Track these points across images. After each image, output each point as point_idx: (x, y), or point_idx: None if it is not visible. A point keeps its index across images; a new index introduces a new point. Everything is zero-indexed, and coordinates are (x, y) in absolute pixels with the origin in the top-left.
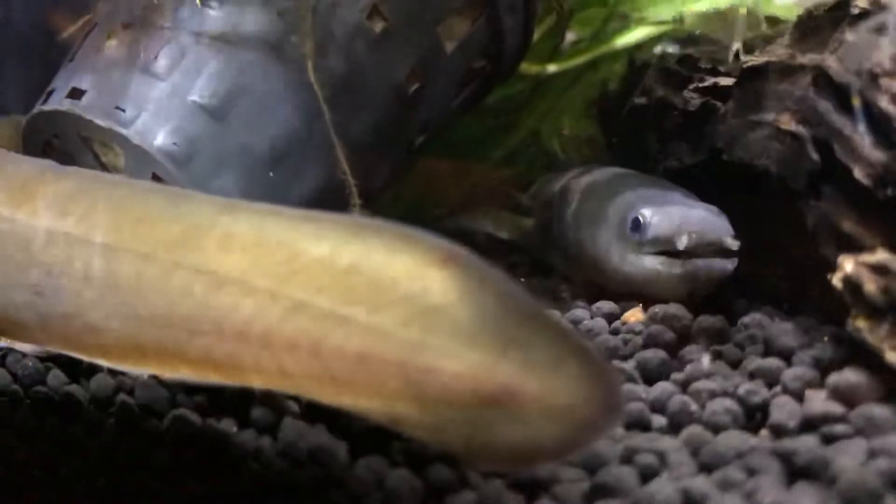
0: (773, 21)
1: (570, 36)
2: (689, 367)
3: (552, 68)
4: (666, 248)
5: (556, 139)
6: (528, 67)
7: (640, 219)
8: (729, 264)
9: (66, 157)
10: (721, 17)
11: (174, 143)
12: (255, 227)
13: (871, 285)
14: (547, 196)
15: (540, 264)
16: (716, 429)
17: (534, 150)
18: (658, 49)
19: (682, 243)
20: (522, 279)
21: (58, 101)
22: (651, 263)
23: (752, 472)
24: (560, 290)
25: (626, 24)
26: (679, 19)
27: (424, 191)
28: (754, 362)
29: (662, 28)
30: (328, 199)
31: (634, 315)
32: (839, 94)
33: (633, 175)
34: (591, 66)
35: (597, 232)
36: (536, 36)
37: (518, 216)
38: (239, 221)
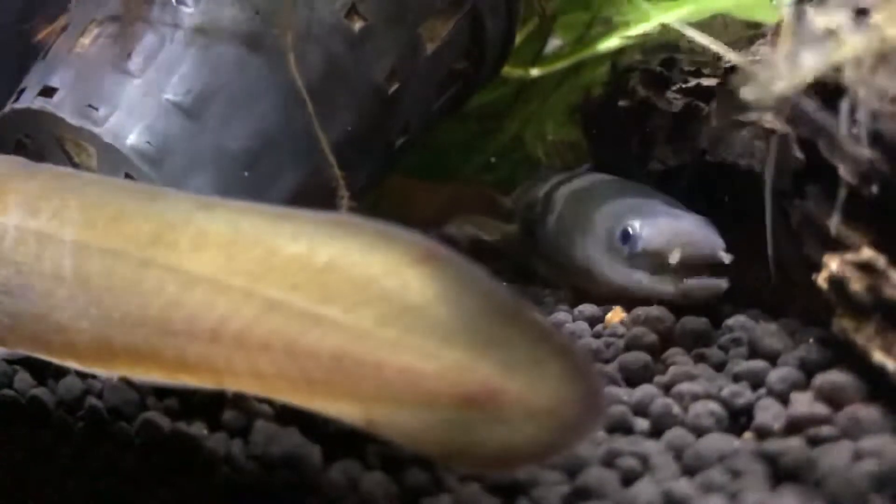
0: (755, 26)
1: (553, 41)
2: (672, 370)
3: (535, 72)
4: (657, 262)
5: (540, 144)
6: (511, 71)
7: (630, 231)
8: (723, 283)
9: (38, 157)
10: (705, 27)
11: (147, 142)
12: (229, 224)
13: (856, 285)
14: (530, 201)
15: (522, 269)
16: (699, 431)
17: (517, 154)
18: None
19: (674, 258)
20: (504, 283)
21: (29, 100)
22: (642, 280)
23: (736, 475)
24: (543, 294)
25: (609, 28)
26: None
27: (401, 209)
28: (739, 364)
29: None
30: (306, 198)
31: (616, 315)
32: (824, 92)
33: (617, 181)
34: (574, 70)
35: (584, 241)
36: (519, 40)
37: (500, 222)
38: (213, 219)
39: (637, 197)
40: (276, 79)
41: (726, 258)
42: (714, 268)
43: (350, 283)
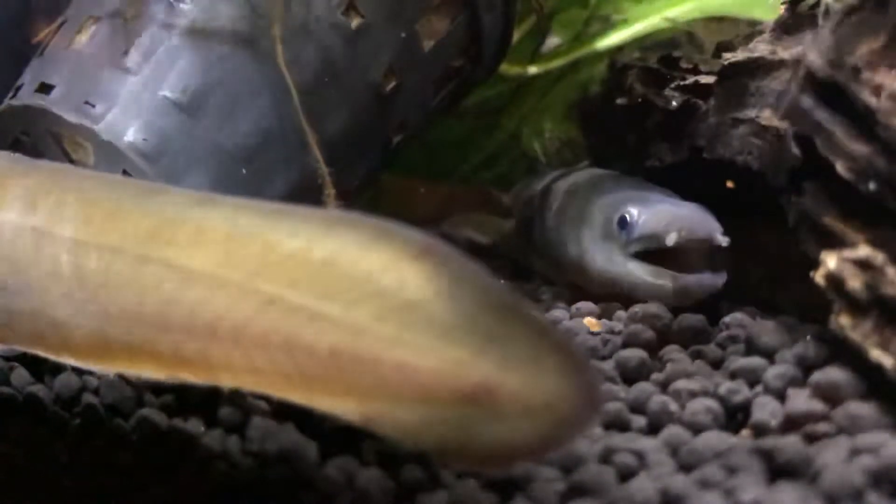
0: (753, 24)
1: (551, 38)
2: (669, 367)
3: (533, 70)
4: (654, 246)
5: (537, 141)
6: (508, 69)
7: (628, 217)
8: (719, 279)
9: (35, 154)
10: (705, 25)
11: (144, 139)
12: (228, 220)
13: (854, 281)
14: (528, 198)
15: (520, 267)
16: (696, 429)
17: (515, 152)
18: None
19: (671, 240)
20: (502, 280)
21: (26, 96)
22: (639, 272)
23: (732, 471)
24: (540, 291)
25: (607, 26)
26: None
27: (399, 207)
28: (736, 361)
29: (643, 31)
30: (304, 196)
31: (592, 325)
32: (821, 89)
33: (615, 176)
34: (572, 67)
35: (581, 233)
36: (517, 37)
37: (498, 219)
38: (211, 215)
39: (634, 189)
40: (274, 75)
41: (724, 241)
42: (711, 261)
43: (348, 278)
